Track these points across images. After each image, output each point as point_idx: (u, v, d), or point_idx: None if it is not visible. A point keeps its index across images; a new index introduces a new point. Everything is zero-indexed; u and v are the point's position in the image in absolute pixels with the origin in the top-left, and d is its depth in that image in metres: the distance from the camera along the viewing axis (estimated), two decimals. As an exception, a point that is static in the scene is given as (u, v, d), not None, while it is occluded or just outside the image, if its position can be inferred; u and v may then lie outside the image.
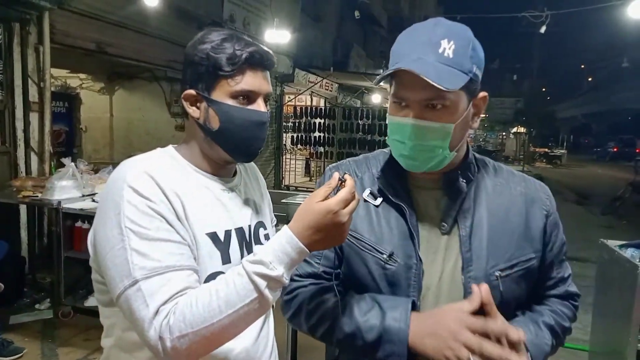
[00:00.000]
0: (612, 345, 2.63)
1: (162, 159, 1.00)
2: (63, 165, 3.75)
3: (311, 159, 10.75)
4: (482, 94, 0.96)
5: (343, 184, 0.88)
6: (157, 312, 0.82)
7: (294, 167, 10.53)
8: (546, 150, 29.03)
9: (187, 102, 1.00)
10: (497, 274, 0.95)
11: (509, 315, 0.97)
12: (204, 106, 0.98)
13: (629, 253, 2.55)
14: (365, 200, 1.03)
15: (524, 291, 1.00)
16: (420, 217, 0.99)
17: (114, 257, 0.85)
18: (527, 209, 1.00)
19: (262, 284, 0.82)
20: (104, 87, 8.24)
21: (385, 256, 0.98)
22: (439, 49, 0.87)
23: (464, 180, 0.99)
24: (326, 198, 0.86)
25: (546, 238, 1.02)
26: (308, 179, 11.16)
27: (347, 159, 1.14)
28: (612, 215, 9.95)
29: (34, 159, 4.48)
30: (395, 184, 1.02)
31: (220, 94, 0.96)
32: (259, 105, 0.99)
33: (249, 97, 0.98)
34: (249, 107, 0.98)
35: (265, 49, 1.00)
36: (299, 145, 9.55)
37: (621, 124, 38.19)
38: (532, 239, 0.99)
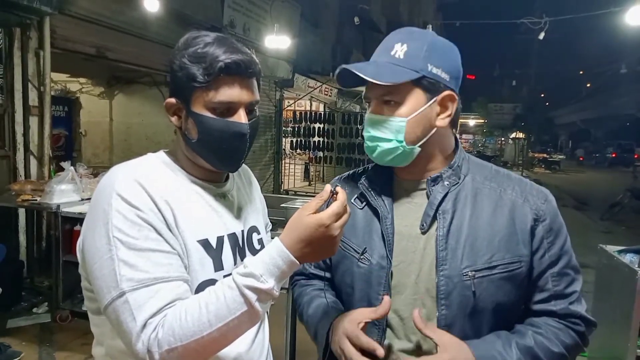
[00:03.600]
0: (611, 351, 2.62)
1: (153, 164, 0.98)
2: (62, 169, 3.75)
3: (310, 163, 10.74)
4: (446, 92, 1.00)
5: (335, 196, 0.88)
6: (144, 325, 0.81)
7: (293, 172, 10.54)
8: (545, 155, 29.04)
9: (169, 111, 0.99)
10: (470, 273, 0.95)
11: (490, 321, 0.97)
12: (184, 115, 0.97)
13: (627, 258, 2.55)
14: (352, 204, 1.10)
15: (509, 297, 0.97)
16: (402, 219, 1.04)
17: (102, 267, 0.84)
18: (514, 212, 0.99)
19: (252, 297, 0.82)
20: (104, 92, 8.25)
21: (359, 255, 1.05)
22: (392, 52, 0.99)
23: (448, 183, 1.02)
24: (317, 210, 0.86)
25: (535, 243, 0.98)
26: (307, 183, 11.17)
27: (347, 172, 1.23)
28: (611, 221, 9.94)
29: (33, 162, 4.48)
30: (379, 189, 1.08)
31: (198, 105, 0.93)
32: (239, 117, 0.95)
33: (228, 108, 0.94)
34: (229, 118, 0.94)
35: (250, 55, 0.95)
36: (298, 150, 9.55)
37: (620, 130, 38.25)
38: (517, 243, 0.97)
